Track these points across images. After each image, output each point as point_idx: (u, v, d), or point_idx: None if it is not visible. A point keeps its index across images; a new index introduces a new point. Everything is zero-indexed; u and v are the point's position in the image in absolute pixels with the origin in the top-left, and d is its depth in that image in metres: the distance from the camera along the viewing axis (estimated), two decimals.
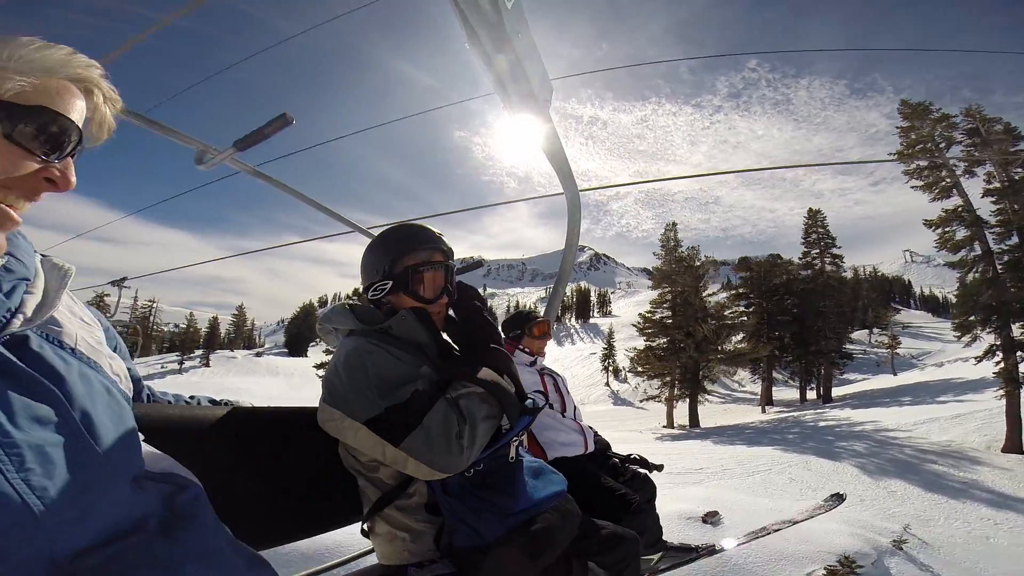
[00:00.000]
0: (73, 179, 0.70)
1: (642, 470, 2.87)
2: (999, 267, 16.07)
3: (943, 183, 17.68)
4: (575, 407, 3.07)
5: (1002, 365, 16.30)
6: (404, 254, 1.49)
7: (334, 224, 2.89)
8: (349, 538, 1.72)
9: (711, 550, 2.94)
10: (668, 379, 31.67)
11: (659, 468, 2.87)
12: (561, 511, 1.44)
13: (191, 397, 1.44)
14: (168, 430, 1.04)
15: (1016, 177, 16.05)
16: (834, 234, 38.45)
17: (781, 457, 15.78)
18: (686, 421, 30.69)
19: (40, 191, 0.68)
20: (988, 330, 16.64)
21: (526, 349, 3.06)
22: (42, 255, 0.78)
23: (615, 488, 2.57)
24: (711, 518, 5.76)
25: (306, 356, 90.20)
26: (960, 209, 17.20)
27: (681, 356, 31.19)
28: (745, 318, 35.93)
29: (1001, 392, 16.37)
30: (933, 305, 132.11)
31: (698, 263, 34.13)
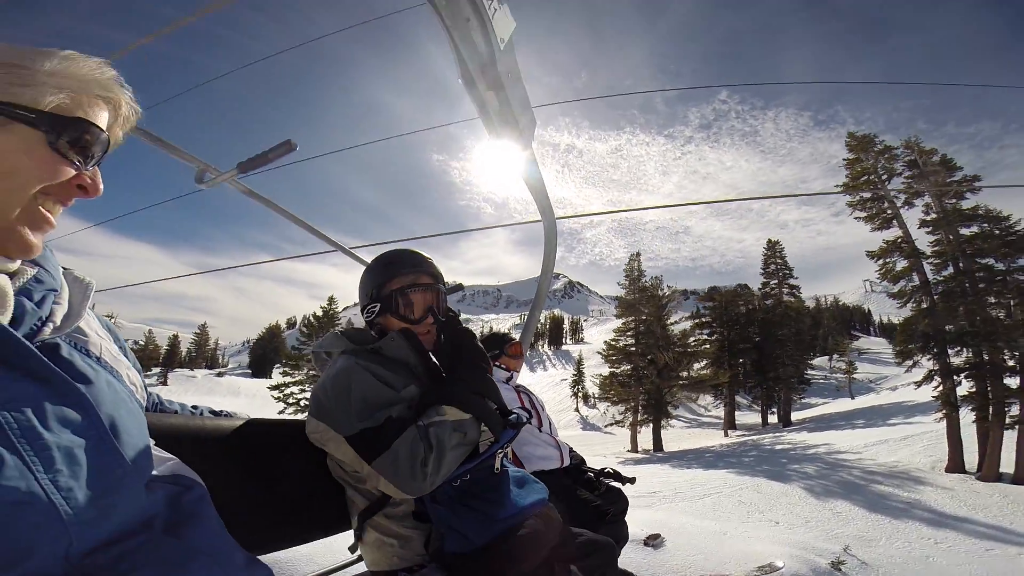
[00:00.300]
0: (101, 186, 0.75)
1: (615, 483, 2.97)
2: (935, 297, 16.75)
3: (884, 214, 18.48)
4: (550, 422, 3.20)
5: (940, 390, 16.84)
6: (391, 278, 1.56)
7: (310, 245, 3.03)
8: (339, 545, 1.71)
9: None
10: (632, 404, 31.95)
11: (631, 481, 2.99)
12: (544, 517, 1.50)
13: (194, 407, 1.47)
14: (172, 437, 1.07)
15: (949, 208, 16.92)
16: (797, 264, 39.80)
17: (733, 480, 15.90)
18: (650, 445, 30.78)
19: (72, 197, 0.72)
20: (927, 356, 17.26)
21: (503, 366, 3.24)
22: (64, 268, 0.81)
23: (590, 500, 2.69)
24: (653, 541, 5.68)
25: (270, 378, 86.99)
26: (899, 240, 17.97)
27: (644, 383, 31.72)
28: (707, 346, 36.73)
29: (940, 415, 16.89)
30: (891, 332, 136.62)
31: (661, 292, 34.87)
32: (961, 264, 16.35)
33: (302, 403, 33.26)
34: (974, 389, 15.72)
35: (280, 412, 33.66)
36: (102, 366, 0.76)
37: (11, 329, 0.63)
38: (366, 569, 1.52)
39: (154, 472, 0.79)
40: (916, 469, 16.54)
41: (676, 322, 35.46)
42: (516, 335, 3.44)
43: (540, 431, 3.05)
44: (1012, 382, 15.45)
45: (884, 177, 19.44)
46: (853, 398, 44.02)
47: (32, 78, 0.65)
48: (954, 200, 17.22)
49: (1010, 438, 15.44)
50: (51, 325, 0.70)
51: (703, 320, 39.67)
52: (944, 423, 16.55)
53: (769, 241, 41.39)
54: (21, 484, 0.56)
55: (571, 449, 3.09)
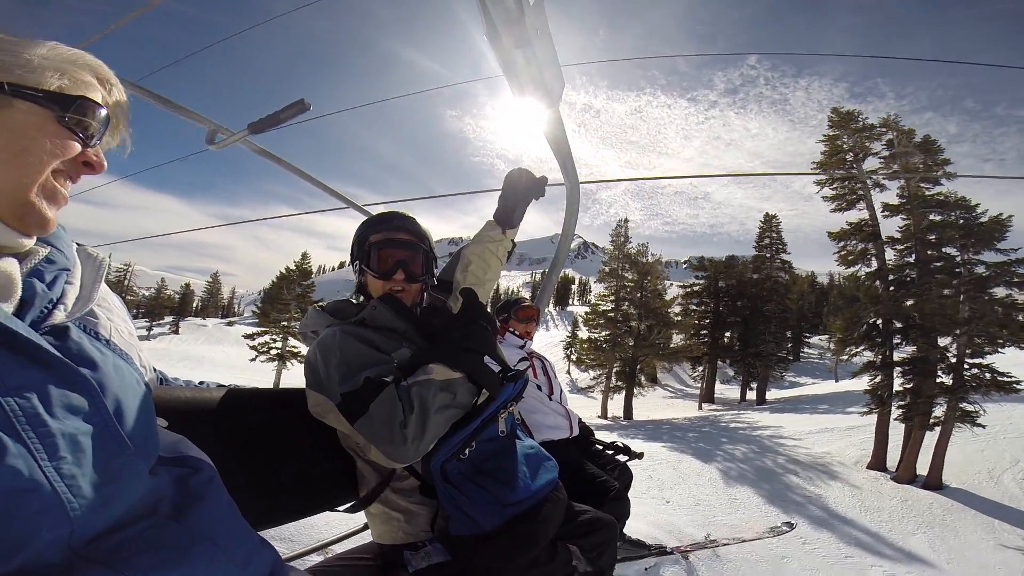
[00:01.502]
0: (105, 162, 0.77)
1: (621, 457, 2.98)
2: (889, 285, 16.08)
3: (852, 196, 17.56)
4: (561, 391, 3.16)
5: (874, 383, 16.45)
6: (370, 234, 1.59)
7: (326, 198, 2.88)
8: (345, 517, 1.70)
9: (661, 550, 3.06)
10: (606, 370, 32.16)
11: (639, 456, 3.01)
12: (554, 500, 1.49)
13: (200, 383, 1.47)
14: (177, 412, 1.04)
15: (913, 193, 16.00)
16: (820, 238, 38.96)
17: (661, 454, 16.01)
18: (621, 412, 31.07)
19: (80, 174, 0.75)
20: (867, 347, 16.76)
21: (515, 331, 3.19)
22: (77, 244, 0.81)
23: (597, 475, 2.68)
24: None
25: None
26: (863, 223, 17.12)
27: (618, 349, 31.89)
28: (687, 316, 36.57)
29: (865, 409, 16.66)
30: None
31: (644, 260, 34.64)
32: (914, 254, 15.58)
33: (271, 352, 34.33)
34: (909, 385, 15.27)
35: (252, 360, 34.88)
36: (111, 349, 0.76)
37: (15, 318, 0.64)
38: (371, 540, 1.55)
39: (161, 454, 0.78)
40: (839, 463, 16.40)
41: (663, 290, 35.67)
42: (525, 293, 3.16)
43: (551, 399, 2.99)
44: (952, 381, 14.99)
45: (860, 156, 18.34)
46: (837, 381, 43.46)
47: (32, 63, 0.68)
48: (928, 185, 16.26)
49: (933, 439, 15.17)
50: (63, 308, 0.71)
51: (693, 290, 39.40)
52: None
53: (766, 215, 40.28)
54: (24, 471, 0.56)
55: (580, 420, 3.06)
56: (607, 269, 35.69)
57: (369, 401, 1.23)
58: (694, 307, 38.75)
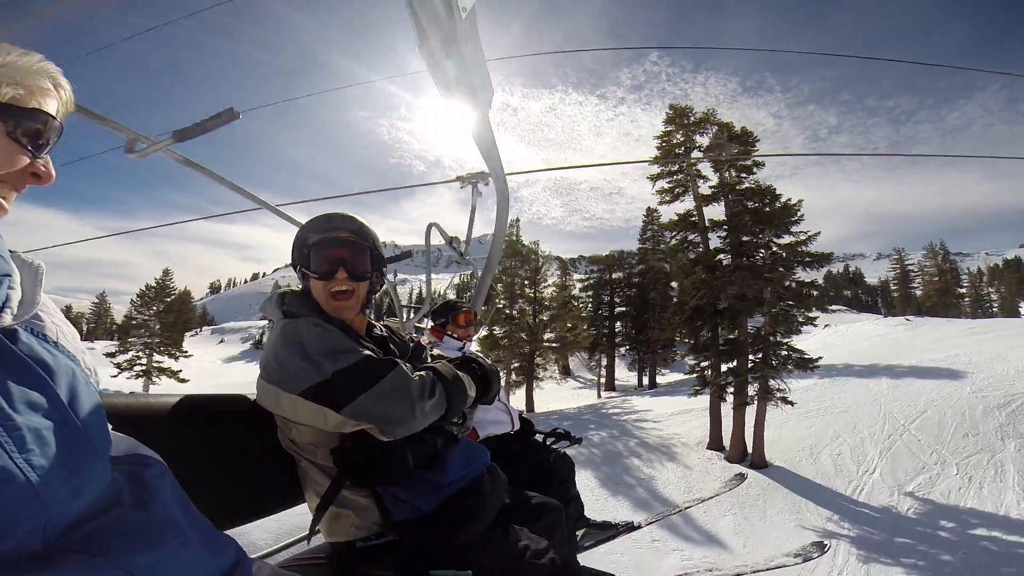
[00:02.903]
0: (54, 172, 0.77)
1: (562, 444, 3.17)
2: (703, 272, 17.18)
3: (680, 189, 18.66)
4: (500, 388, 3.13)
5: (697, 364, 17.42)
6: (309, 236, 1.54)
7: (237, 205, 2.75)
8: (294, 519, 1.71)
9: (629, 527, 3.14)
10: (503, 366, 32.59)
11: (579, 441, 3.21)
12: (491, 479, 1.58)
13: (131, 394, 1.52)
14: (120, 417, 1.00)
15: (732, 183, 17.22)
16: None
17: None
18: (523, 405, 31.56)
19: (26, 184, 0.75)
20: (688, 329, 17.82)
21: (454, 335, 3.27)
22: (10, 251, 0.79)
23: (540, 463, 2.80)
24: None
25: (179, 348, 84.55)
26: (688, 213, 18.25)
27: (517, 345, 32.40)
28: (575, 309, 37.78)
29: (692, 392, 17.55)
30: (797, 295, 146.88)
31: (535, 256, 35.38)
32: (718, 240, 16.77)
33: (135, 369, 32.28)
34: (723, 367, 16.37)
35: (114, 376, 32.64)
36: (59, 350, 0.76)
37: None
38: (324, 540, 1.55)
39: (112, 453, 0.79)
40: (683, 443, 17.39)
41: (549, 284, 36.69)
42: (452, 294, 4.00)
43: None
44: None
45: (688, 149, 19.55)
46: None
47: None
48: (743, 175, 17.57)
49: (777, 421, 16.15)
50: (8, 311, 0.70)
51: (589, 283, 40.90)
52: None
53: (648, 209, 42.16)
54: None
55: (520, 413, 3.18)
56: (499, 269, 36.10)
57: (378, 375, 1.30)
58: (588, 299, 40.22)
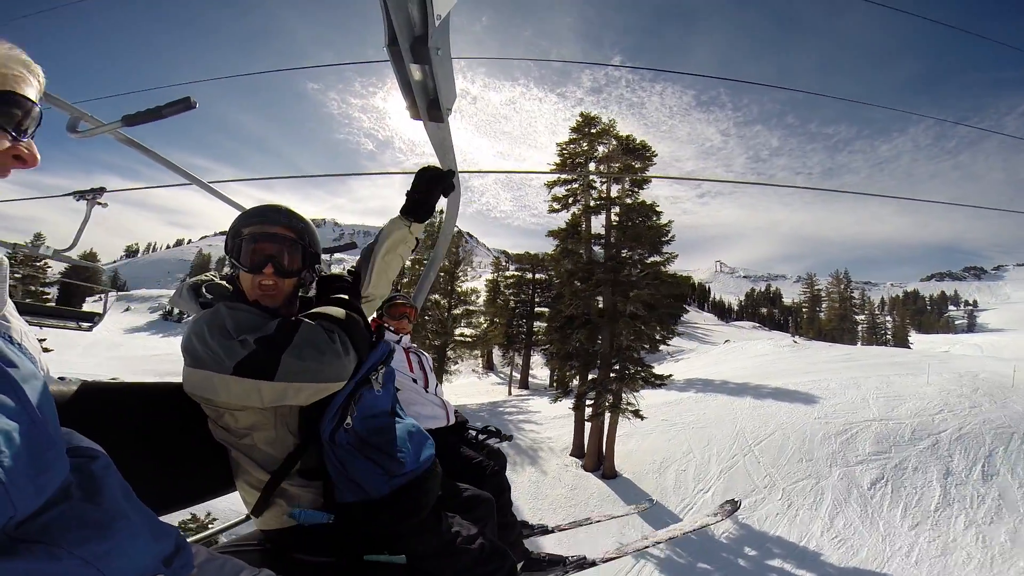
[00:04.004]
0: (38, 155, 0.80)
1: (494, 443, 3.21)
2: (578, 282, 17.29)
3: (572, 198, 18.64)
4: (436, 384, 3.30)
5: (560, 373, 17.50)
6: (243, 227, 1.54)
7: (168, 175, 2.71)
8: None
9: (544, 529, 3.17)
10: None
11: (509, 438, 3.32)
12: (434, 473, 1.60)
13: (60, 378, 1.38)
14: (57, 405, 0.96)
15: (622, 196, 17.37)
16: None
17: None
18: None
19: (9, 167, 0.78)
20: (556, 338, 17.93)
21: (390, 327, 3.27)
22: None
23: (473, 457, 2.86)
24: None
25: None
26: (576, 224, 18.29)
27: (433, 337, 31.86)
28: (498, 304, 37.97)
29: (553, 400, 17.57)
30: (721, 310, 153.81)
31: (455, 249, 35.19)
32: (584, 254, 16.88)
33: None
34: (592, 377, 16.52)
35: None
36: (23, 352, 0.77)
37: None
38: (255, 528, 1.55)
39: None
40: (550, 448, 17.42)
41: (494, 280, 38.24)
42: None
43: (427, 391, 3.18)
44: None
45: (587, 160, 19.57)
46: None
47: None
48: (635, 189, 17.80)
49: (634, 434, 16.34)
50: None
51: (508, 281, 41.13)
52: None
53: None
54: None
55: (455, 409, 3.24)
56: (413, 259, 35.64)
57: (291, 333, 1.33)
58: (512, 297, 40.46)
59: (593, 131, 19.79)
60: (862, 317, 78.86)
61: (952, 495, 12.93)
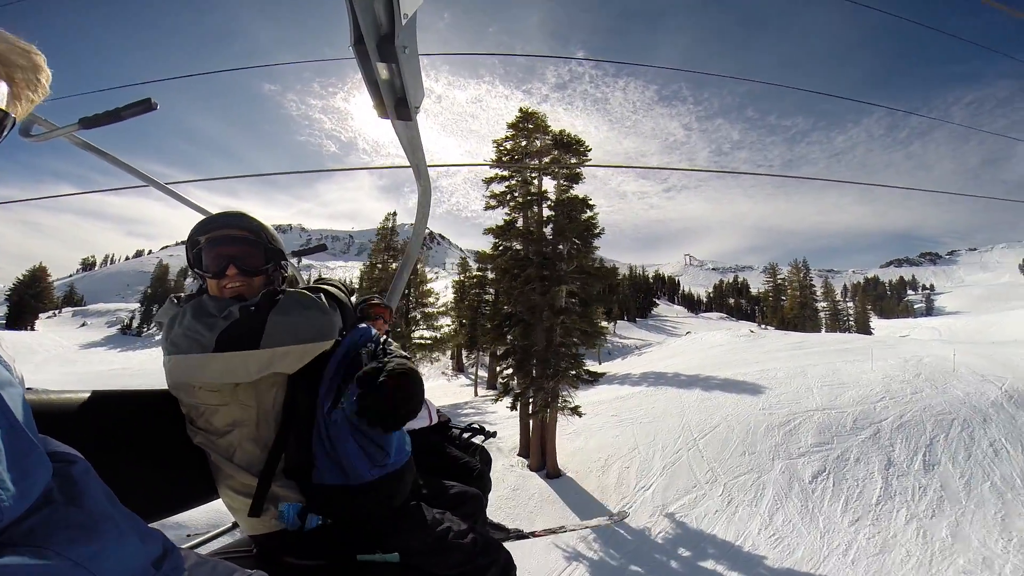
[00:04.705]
0: None
1: (477, 440, 3.25)
2: (510, 279, 16.62)
3: (509, 195, 17.91)
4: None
5: (500, 372, 16.86)
6: (198, 237, 1.55)
7: (124, 179, 2.63)
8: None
9: (519, 534, 3.27)
10: None
11: (493, 435, 3.41)
12: (411, 468, 1.63)
13: (28, 389, 1.28)
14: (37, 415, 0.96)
15: (560, 191, 16.73)
16: (631, 233, 41.71)
17: None
18: None
19: None
20: (492, 335, 17.27)
21: None
22: None
23: (459, 456, 2.87)
24: None
25: (31, 329, 78.54)
26: (513, 220, 17.58)
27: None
28: (464, 305, 37.58)
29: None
30: (690, 302, 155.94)
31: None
32: (524, 250, 16.29)
33: None
34: (532, 376, 15.90)
35: None
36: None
37: None
38: (244, 535, 1.54)
39: None
40: (499, 449, 16.71)
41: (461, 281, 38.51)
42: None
43: None
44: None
45: (529, 153, 18.91)
46: (600, 363, 47.93)
47: None
48: (570, 184, 17.22)
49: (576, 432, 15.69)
50: None
51: (472, 280, 40.36)
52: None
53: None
54: None
55: (438, 409, 3.25)
56: (369, 262, 34.98)
57: (273, 297, 1.40)
58: (475, 297, 39.55)
59: (530, 126, 19.14)
60: (824, 304, 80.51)
61: (894, 487, 12.61)
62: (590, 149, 18.31)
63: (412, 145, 1.58)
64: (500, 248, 17.53)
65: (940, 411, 15.52)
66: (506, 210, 17.35)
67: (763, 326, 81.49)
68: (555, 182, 17.43)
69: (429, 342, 33.72)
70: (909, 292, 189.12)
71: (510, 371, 16.09)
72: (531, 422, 15.80)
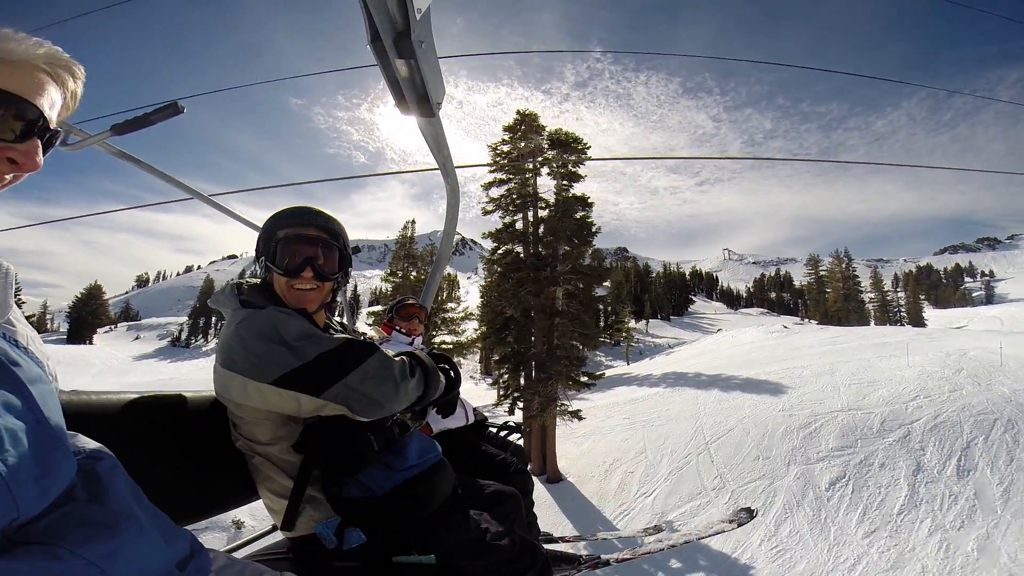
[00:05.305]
0: (39, 160, 0.76)
1: (515, 437, 3.28)
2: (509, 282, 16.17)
3: (507, 199, 17.49)
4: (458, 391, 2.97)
5: (499, 375, 16.52)
6: (277, 229, 1.51)
7: (167, 192, 2.90)
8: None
9: (594, 562, 2.87)
10: None
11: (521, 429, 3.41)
12: (441, 470, 1.60)
13: (72, 391, 1.38)
14: (71, 415, 0.96)
15: (559, 190, 16.23)
16: (665, 229, 40.99)
17: None
18: None
19: (5, 172, 0.74)
20: (494, 339, 16.85)
21: (402, 330, 3.34)
22: None
23: (495, 455, 2.86)
24: None
25: (91, 343, 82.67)
26: (512, 222, 17.15)
27: None
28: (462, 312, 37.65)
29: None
30: (729, 298, 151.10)
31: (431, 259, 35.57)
32: (518, 249, 15.80)
33: None
34: (513, 380, 15.46)
35: None
36: (29, 356, 0.77)
37: None
38: (282, 536, 1.56)
39: None
40: None
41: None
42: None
43: None
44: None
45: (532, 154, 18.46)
46: (628, 363, 46.88)
47: None
48: (571, 183, 16.69)
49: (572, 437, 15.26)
50: None
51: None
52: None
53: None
54: None
55: (474, 408, 3.25)
56: (389, 271, 35.41)
57: (361, 358, 1.32)
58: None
59: (523, 128, 18.71)
60: (873, 296, 76.34)
61: (920, 495, 11.46)
62: (589, 147, 17.68)
63: (437, 143, 1.58)
64: (499, 251, 17.15)
65: (981, 410, 14.10)
66: (500, 213, 16.96)
67: (805, 320, 77.90)
68: (554, 182, 16.96)
69: (451, 347, 33.80)
70: (967, 279, 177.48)
71: (507, 375, 15.69)
72: (532, 426, 15.35)
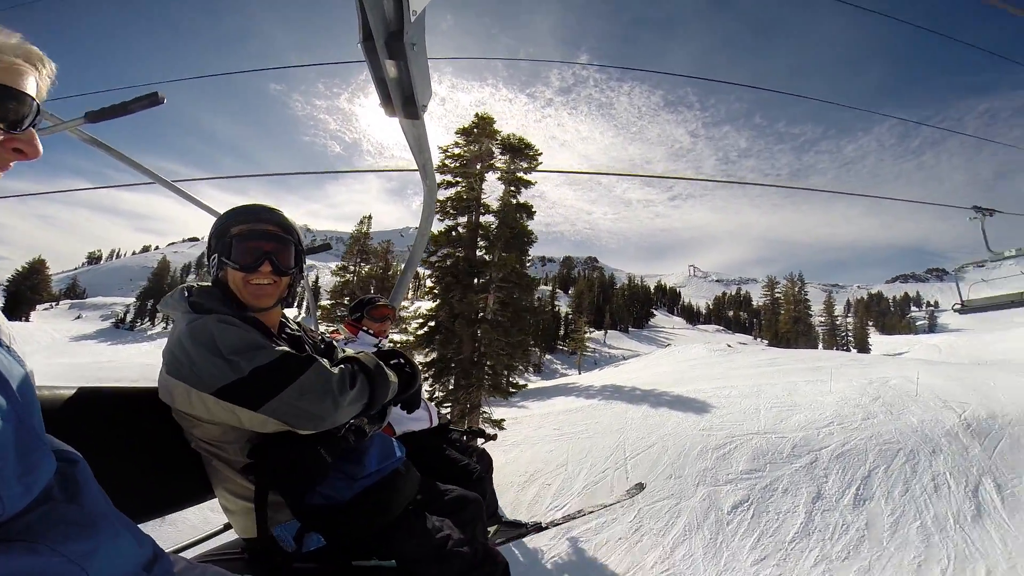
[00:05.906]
0: (40, 147, 0.78)
1: (480, 443, 3.23)
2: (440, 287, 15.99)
3: (451, 203, 17.30)
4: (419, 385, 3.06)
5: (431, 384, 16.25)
6: (232, 225, 1.50)
7: (135, 176, 2.70)
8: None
9: (537, 527, 3.17)
10: None
11: (493, 438, 3.38)
12: (405, 474, 1.64)
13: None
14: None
15: (507, 196, 16.10)
16: (637, 242, 41.83)
17: None
18: None
19: (9, 160, 0.76)
20: (424, 343, 16.63)
21: (369, 331, 3.35)
22: None
23: (458, 459, 2.86)
24: None
25: (26, 320, 79.32)
26: (454, 227, 16.97)
27: None
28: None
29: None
30: (690, 314, 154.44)
31: (391, 253, 35.68)
32: (459, 253, 15.64)
33: None
34: (443, 387, 15.26)
35: None
36: (11, 354, 0.77)
37: None
38: (235, 536, 1.54)
39: None
40: None
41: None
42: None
43: None
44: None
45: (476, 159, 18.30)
46: (580, 372, 47.24)
47: None
48: (519, 188, 16.60)
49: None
50: None
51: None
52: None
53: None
54: None
55: (439, 411, 3.39)
56: (340, 265, 35.04)
57: (296, 372, 1.28)
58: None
59: (475, 131, 18.55)
60: (824, 319, 79.07)
61: (815, 523, 11.66)
62: (540, 153, 17.69)
63: (419, 144, 1.58)
64: (436, 254, 16.92)
65: (887, 439, 14.53)
66: (441, 216, 16.74)
67: (757, 340, 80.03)
68: (503, 187, 16.84)
69: (401, 345, 33.65)
70: (913, 308, 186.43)
71: (430, 382, 15.46)
72: None
